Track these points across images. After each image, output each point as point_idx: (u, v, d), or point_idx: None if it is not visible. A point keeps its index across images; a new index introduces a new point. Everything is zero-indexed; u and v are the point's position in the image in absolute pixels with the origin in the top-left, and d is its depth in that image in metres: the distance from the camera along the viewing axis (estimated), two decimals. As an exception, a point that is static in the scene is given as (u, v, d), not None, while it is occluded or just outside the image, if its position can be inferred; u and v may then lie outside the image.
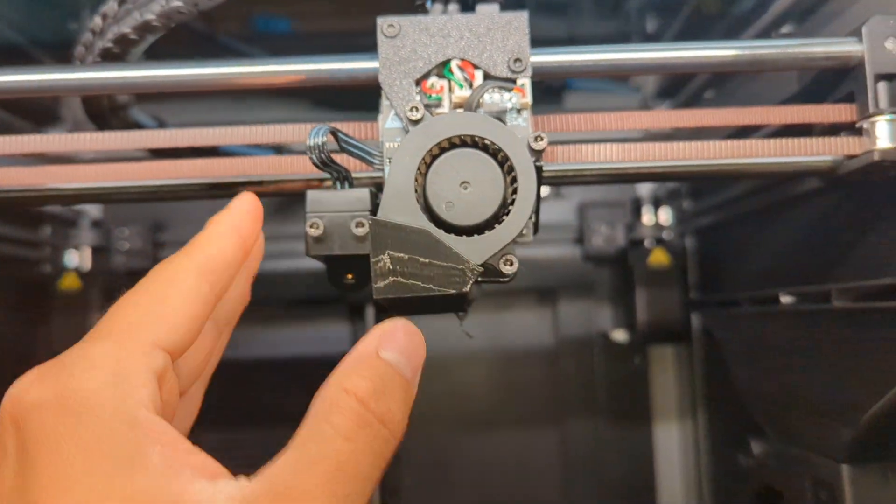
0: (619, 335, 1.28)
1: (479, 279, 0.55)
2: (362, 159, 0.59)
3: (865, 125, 0.63)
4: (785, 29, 0.86)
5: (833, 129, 0.68)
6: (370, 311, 1.29)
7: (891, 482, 0.69)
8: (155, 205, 1.34)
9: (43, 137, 0.66)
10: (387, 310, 0.57)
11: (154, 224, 1.30)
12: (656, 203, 1.30)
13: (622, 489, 1.32)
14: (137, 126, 0.89)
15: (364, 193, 0.58)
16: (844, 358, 0.70)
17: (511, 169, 0.54)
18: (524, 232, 0.58)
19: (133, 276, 1.27)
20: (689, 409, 1.30)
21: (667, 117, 0.67)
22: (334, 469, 0.43)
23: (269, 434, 1.26)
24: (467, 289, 0.52)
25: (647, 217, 1.30)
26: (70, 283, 1.21)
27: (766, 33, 0.89)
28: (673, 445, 1.32)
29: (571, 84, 1.33)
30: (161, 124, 0.93)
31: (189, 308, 0.50)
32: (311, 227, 0.57)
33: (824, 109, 0.66)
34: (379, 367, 0.50)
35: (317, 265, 0.61)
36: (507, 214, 0.54)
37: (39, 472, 0.40)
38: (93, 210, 1.32)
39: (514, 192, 0.54)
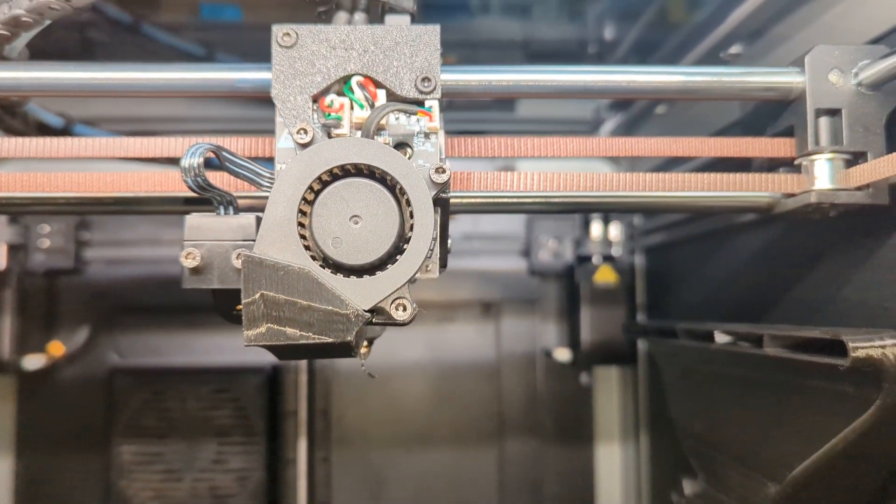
0: (562, 354, 1.23)
1: (370, 323, 0.49)
2: (250, 181, 0.53)
3: (804, 163, 0.59)
4: (734, 49, 0.81)
5: (773, 163, 0.64)
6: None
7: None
8: (79, 200, 1.27)
9: None
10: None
11: (79, 222, 1.22)
12: (606, 217, 1.25)
13: (560, 512, 1.28)
14: (39, 123, 0.83)
15: (249, 221, 0.52)
16: (776, 406, 0.66)
17: (410, 202, 0.49)
18: (429, 267, 0.53)
19: (53, 276, 1.21)
20: (633, 434, 1.26)
21: (595, 145, 0.61)
22: None
23: (190, 447, 1.21)
24: (350, 338, 0.47)
25: (596, 232, 1.25)
26: (-19, 282, 1.13)
27: (716, 51, 0.84)
28: (615, 468, 1.28)
29: (524, 90, 1.28)
30: (68, 121, 0.87)
31: None
32: (186, 256, 0.51)
33: (763, 143, 0.61)
34: None
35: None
36: (402, 253, 0.49)
37: None
38: (12, 204, 1.24)
39: (413, 227, 0.49)
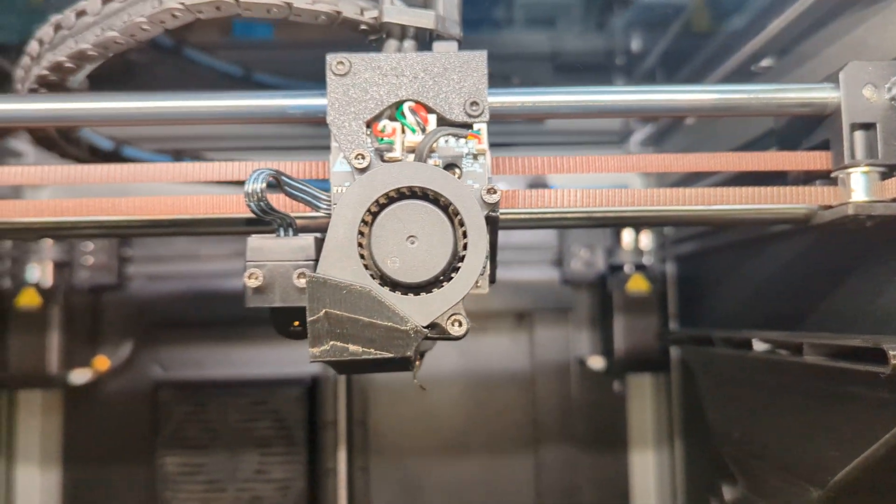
0: (596, 362, 1.25)
1: (427, 337, 0.51)
2: (309, 204, 0.55)
3: (841, 175, 0.60)
4: (765, 62, 0.83)
5: (809, 176, 0.65)
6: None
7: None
8: (122, 219, 1.30)
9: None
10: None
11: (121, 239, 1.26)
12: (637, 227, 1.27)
13: (596, 519, 1.29)
14: (92, 147, 0.86)
15: (308, 242, 0.54)
16: (816, 413, 0.67)
17: (462, 222, 0.51)
18: (479, 283, 0.55)
19: (97, 292, 1.24)
20: (667, 440, 1.27)
21: (634, 162, 0.64)
22: None
23: (232, 458, 1.23)
24: (410, 353, 0.49)
25: (628, 241, 1.27)
26: (29, 299, 1.17)
27: (746, 64, 0.86)
28: (649, 475, 1.30)
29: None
30: (117, 144, 0.90)
31: None
32: (249, 276, 0.53)
33: (799, 157, 0.63)
34: None
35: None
36: (456, 271, 0.51)
37: None
38: (57, 223, 1.28)
39: (466, 246, 0.51)
